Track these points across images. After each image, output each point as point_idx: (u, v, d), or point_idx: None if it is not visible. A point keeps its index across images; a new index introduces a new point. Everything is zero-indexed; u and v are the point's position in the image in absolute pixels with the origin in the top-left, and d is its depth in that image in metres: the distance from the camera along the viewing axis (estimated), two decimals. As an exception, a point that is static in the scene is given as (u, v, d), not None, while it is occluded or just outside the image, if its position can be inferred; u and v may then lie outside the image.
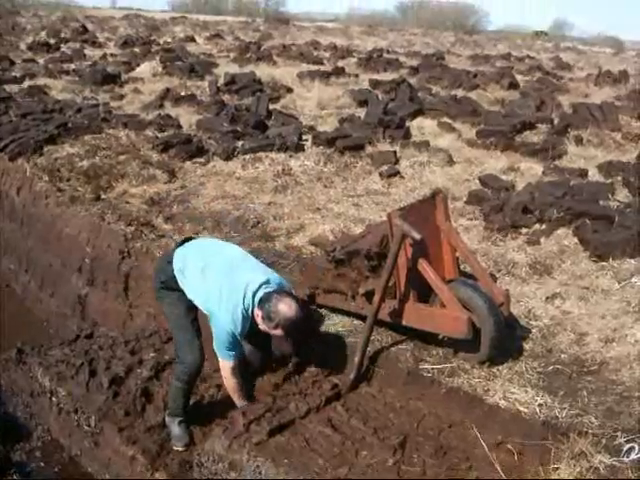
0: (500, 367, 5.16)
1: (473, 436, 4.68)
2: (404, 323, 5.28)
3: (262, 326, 4.87)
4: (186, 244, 5.41)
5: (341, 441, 4.84)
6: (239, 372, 5.18)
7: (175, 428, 5.32)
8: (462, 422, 4.81)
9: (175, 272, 5.17)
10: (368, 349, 5.29)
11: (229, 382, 5.19)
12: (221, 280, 4.98)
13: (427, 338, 5.41)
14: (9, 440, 5.99)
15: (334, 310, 5.91)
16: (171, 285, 5.21)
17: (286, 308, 4.74)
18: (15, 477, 5.31)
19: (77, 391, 6.02)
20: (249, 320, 4.90)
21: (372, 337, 5.32)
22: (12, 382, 6.79)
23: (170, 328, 5.54)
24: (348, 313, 5.80)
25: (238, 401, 5.26)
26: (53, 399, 6.20)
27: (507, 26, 76.54)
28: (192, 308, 5.21)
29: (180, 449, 5.29)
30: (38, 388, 6.42)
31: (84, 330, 7.43)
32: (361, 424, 5.00)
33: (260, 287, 4.88)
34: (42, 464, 5.99)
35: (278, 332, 4.85)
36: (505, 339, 5.24)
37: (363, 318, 5.46)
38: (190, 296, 5.14)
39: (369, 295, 5.31)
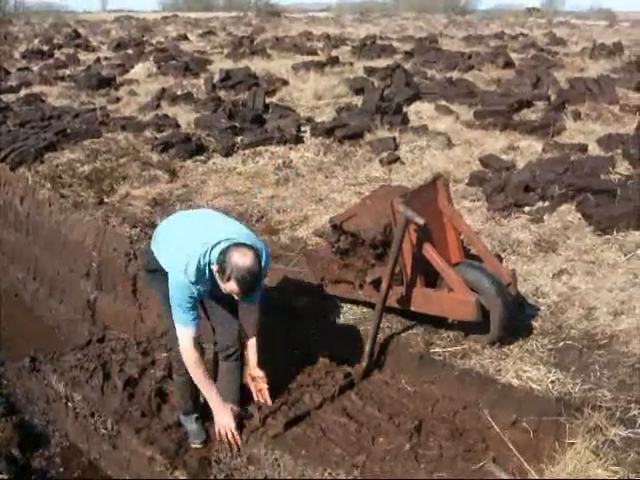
0: (511, 346, 5.18)
1: (488, 417, 4.71)
2: (413, 309, 5.30)
3: (220, 285, 4.53)
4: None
5: (357, 429, 4.86)
6: (199, 346, 4.81)
7: (190, 426, 5.33)
8: (476, 403, 4.83)
9: (151, 245, 5.09)
10: (379, 336, 5.31)
11: (189, 357, 4.74)
12: (187, 235, 4.75)
13: (437, 322, 5.43)
14: (28, 447, 6.02)
15: (343, 300, 5.93)
16: (153, 265, 4.97)
17: (240, 257, 4.39)
18: (36, 484, 5.34)
19: (92, 395, 6.05)
20: (205, 275, 4.59)
21: (382, 324, 5.34)
22: (27, 390, 6.83)
23: (161, 314, 5.39)
24: (357, 302, 5.82)
25: (203, 380, 4.84)
26: (69, 404, 6.23)
27: (499, 5, 76.46)
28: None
29: (198, 446, 5.30)
30: (53, 394, 6.45)
31: (95, 334, 7.46)
32: (376, 411, 5.02)
33: (222, 241, 4.56)
34: (62, 469, 6.02)
35: (232, 287, 4.45)
36: (514, 318, 5.26)
37: (372, 306, 5.48)
38: (159, 260, 4.88)
39: (376, 283, 5.32)
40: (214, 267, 4.47)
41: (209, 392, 4.87)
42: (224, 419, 4.89)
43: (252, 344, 5.10)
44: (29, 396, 6.78)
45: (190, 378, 5.00)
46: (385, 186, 6.06)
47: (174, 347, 5.05)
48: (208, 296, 4.93)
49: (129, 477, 5.70)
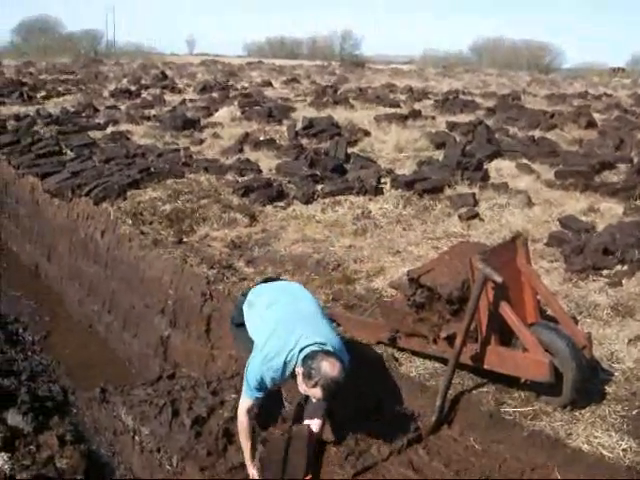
0: (583, 411, 5.11)
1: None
2: (486, 366, 5.28)
3: (301, 386, 4.73)
4: (269, 283, 5.50)
5: (423, 484, 4.87)
6: (252, 416, 5.18)
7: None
8: (544, 466, 4.76)
9: (244, 304, 5.23)
10: (449, 392, 5.31)
11: (240, 420, 5.16)
12: (279, 321, 4.95)
13: (509, 381, 5.40)
14: (93, 477, 6.12)
15: (415, 353, 5.93)
16: (239, 320, 5.27)
17: (329, 367, 4.55)
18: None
19: (160, 430, 6.14)
20: (286, 372, 4.82)
21: (453, 380, 5.34)
22: (96, 420, 6.95)
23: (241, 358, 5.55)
24: (429, 356, 5.82)
25: (244, 442, 5.25)
26: (136, 438, 6.32)
27: (583, 63, 75.53)
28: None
29: None
30: (121, 427, 6.56)
31: (166, 371, 7.58)
32: (442, 467, 5.01)
33: (311, 344, 4.74)
34: (124, 501, 6.13)
35: (316, 392, 4.64)
36: (587, 382, 5.21)
37: (444, 361, 5.48)
38: (248, 329, 5.18)
39: (450, 339, 5.33)
40: (299, 370, 4.67)
41: (246, 452, 5.25)
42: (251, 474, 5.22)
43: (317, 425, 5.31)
44: (97, 426, 6.90)
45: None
46: (464, 242, 6.10)
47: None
48: None
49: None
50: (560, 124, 17.81)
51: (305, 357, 4.64)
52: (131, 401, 6.65)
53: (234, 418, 6.00)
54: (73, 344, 9.59)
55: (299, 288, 5.79)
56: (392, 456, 5.15)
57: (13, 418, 6.67)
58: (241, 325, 5.34)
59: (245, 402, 5.05)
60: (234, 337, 5.62)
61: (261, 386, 4.89)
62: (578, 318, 6.50)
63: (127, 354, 9.17)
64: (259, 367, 4.80)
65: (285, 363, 4.77)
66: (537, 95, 28.18)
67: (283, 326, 4.89)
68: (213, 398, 6.43)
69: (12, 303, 11.05)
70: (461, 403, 5.37)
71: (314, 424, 5.22)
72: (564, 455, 4.73)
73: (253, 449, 5.21)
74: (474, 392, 5.44)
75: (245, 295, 5.43)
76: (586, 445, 4.73)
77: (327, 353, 4.65)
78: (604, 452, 4.65)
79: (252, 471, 5.14)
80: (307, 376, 4.60)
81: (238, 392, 6.39)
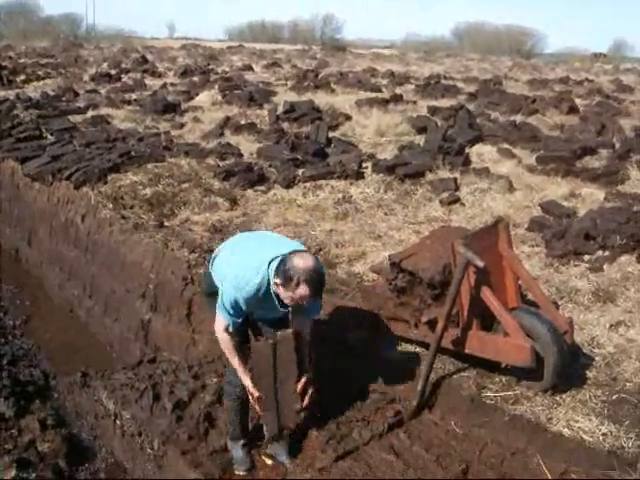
0: (563, 395, 5.14)
1: (536, 465, 4.65)
2: (467, 351, 5.29)
3: (286, 296, 4.56)
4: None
5: (404, 468, 4.87)
6: (234, 334, 4.91)
7: (237, 452, 5.37)
8: (525, 450, 4.78)
9: (210, 264, 5.14)
10: (431, 376, 5.31)
11: (220, 337, 4.89)
12: (244, 256, 4.82)
13: (490, 366, 5.41)
14: (74, 461, 6.12)
15: (397, 337, 5.93)
16: (212, 288, 5.05)
17: (303, 261, 4.46)
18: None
19: (141, 414, 6.12)
20: (260, 292, 4.65)
21: (435, 364, 5.34)
22: (77, 405, 6.95)
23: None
24: (411, 340, 5.82)
25: (232, 357, 4.94)
26: (117, 422, 6.31)
27: (565, 49, 76.00)
28: (242, 327, 5.06)
29: (242, 474, 5.33)
30: (102, 411, 6.54)
31: (147, 355, 7.58)
32: (424, 451, 5.02)
33: (277, 257, 4.60)
34: (105, 485, 6.12)
35: (303, 291, 4.47)
36: (568, 367, 5.23)
37: (426, 345, 5.49)
38: (214, 278, 5.02)
39: (432, 323, 5.33)
40: (277, 281, 4.52)
41: (238, 367, 4.94)
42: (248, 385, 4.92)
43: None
44: (78, 410, 6.89)
45: (240, 408, 5.19)
46: (445, 227, 6.10)
47: (229, 379, 5.21)
48: (260, 318, 5.08)
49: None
50: (542, 109, 17.85)
51: (277, 267, 4.53)
52: (112, 385, 6.62)
53: (215, 402, 6.02)
54: (54, 328, 9.54)
55: (260, 232, 5.66)
56: (373, 440, 5.16)
57: (-6, 402, 6.66)
58: (213, 294, 5.21)
59: (220, 322, 4.83)
60: (208, 305, 5.47)
61: (235, 309, 4.73)
62: (559, 303, 6.52)
63: (108, 338, 9.13)
64: (233, 293, 4.66)
65: (258, 285, 4.62)
66: (519, 80, 28.27)
67: (249, 257, 4.76)
68: (194, 382, 6.42)
69: (-8, 288, 11.00)
70: (442, 387, 5.38)
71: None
72: (545, 439, 4.75)
73: (244, 362, 4.95)
74: (455, 376, 5.45)
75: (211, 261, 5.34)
76: (567, 429, 4.75)
77: (295, 252, 4.56)
78: (584, 436, 4.67)
79: (248, 382, 4.88)
80: (287, 279, 4.46)
81: (220, 376, 6.41)
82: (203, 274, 5.57)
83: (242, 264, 4.71)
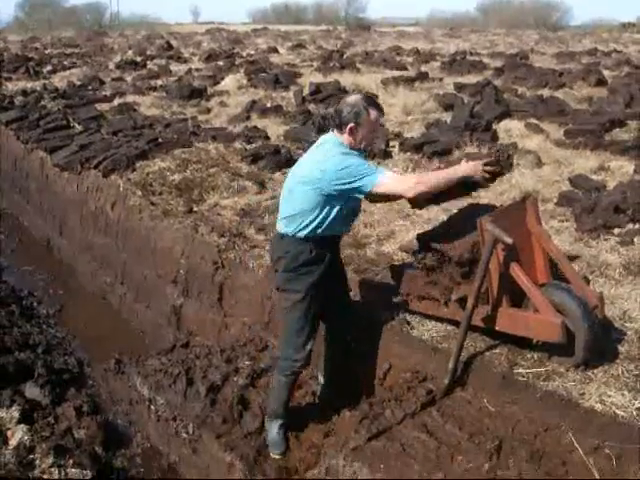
0: (595, 370, 5.10)
1: (569, 441, 4.64)
2: (497, 328, 5.27)
3: (366, 131, 4.86)
4: None
5: (436, 446, 4.87)
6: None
7: (273, 433, 5.41)
8: (558, 426, 4.75)
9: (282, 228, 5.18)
10: (462, 354, 5.30)
11: (427, 180, 4.90)
12: (310, 156, 5.08)
13: (521, 342, 5.39)
14: (110, 446, 6.20)
15: (427, 316, 5.93)
16: (300, 259, 5.10)
17: (347, 99, 4.89)
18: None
19: (175, 399, 6.21)
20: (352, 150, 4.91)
21: (466, 342, 5.33)
22: (112, 391, 7.04)
23: (287, 319, 5.34)
24: (441, 319, 5.83)
25: (441, 175, 4.97)
26: (152, 407, 6.40)
27: (592, 20, 75.07)
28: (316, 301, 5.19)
29: (277, 457, 5.38)
30: (137, 397, 6.63)
31: (180, 340, 7.65)
32: (456, 429, 5.01)
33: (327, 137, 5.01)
34: (142, 470, 6.20)
35: (374, 114, 4.82)
36: (600, 342, 5.20)
37: (456, 324, 5.48)
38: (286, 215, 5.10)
39: (462, 301, 5.32)
40: (350, 125, 4.80)
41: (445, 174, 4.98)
42: (467, 168, 4.95)
43: None
44: (113, 397, 7.00)
45: (294, 379, 5.34)
46: (473, 204, 6.05)
47: (288, 354, 5.25)
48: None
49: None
50: (569, 82, 17.70)
51: (337, 125, 4.87)
52: (146, 371, 6.71)
53: (249, 385, 6.08)
54: (87, 316, 9.65)
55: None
56: (406, 419, 5.17)
57: (31, 391, 6.76)
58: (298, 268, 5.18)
59: (387, 175, 4.91)
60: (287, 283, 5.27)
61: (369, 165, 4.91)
62: (590, 278, 6.46)
63: (141, 324, 9.21)
64: (352, 159, 4.84)
65: (345, 151, 4.88)
66: (545, 54, 28.01)
67: (314, 158, 5.01)
68: (227, 366, 6.48)
69: (25, 278, 11.12)
70: (474, 365, 5.36)
71: None
72: (577, 415, 4.72)
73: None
74: (486, 354, 5.43)
75: None
76: (599, 405, 4.72)
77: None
78: (617, 411, 4.64)
79: (466, 166, 4.95)
80: (356, 115, 4.77)
81: (252, 359, 6.46)
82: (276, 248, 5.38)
83: (320, 157, 4.93)
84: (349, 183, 4.79)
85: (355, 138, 4.85)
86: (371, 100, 4.86)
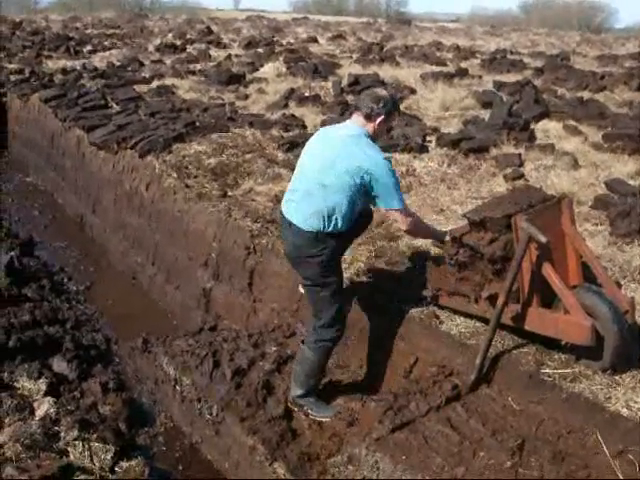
0: (623, 375, 5.08)
1: (593, 443, 4.62)
2: (527, 328, 5.27)
3: (384, 128, 5.26)
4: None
5: (459, 441, 4.89)
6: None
7: (315, 403, 5.63)
8: (582, 428, 4.75)
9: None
10: (490, 351, 5.31)
11: (419, 230, 5.71)
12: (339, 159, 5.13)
13: (549, 343, 5.38)
14: (134, 424, 6.27)
15: (456, 312, 5.93)
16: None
17: (382, 90, 5.31)
18: (139, 460, 5.54)
19: (201, 381, 6.26)
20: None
21: (494, 340, 5.33)
22: (138, 369, 7.12)
23: (326, 298, 5.41)
24: (471, 315, 5.82)
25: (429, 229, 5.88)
26: (177, 387, 6.46)
27: (636, 23, 74.23)
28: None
29: (328, 419, 5.56)
30: (163, 376, 6.70)
31: (208, 322, 7.70)
32: (480, 425, 5.03)
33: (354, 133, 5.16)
34: (164, 449, 6.27)
35: (396, 115, 5.47)
36: (629, 347, 5.17)
37: (485, 321, 5.48)
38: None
39: (492, 299, 5.32)
40: (381, 120, 5.11)
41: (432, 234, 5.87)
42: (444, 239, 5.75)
43: None
44: (139, 375, 7.08)
45: (323, 359, 5.50)
46: (528, 185, 6.04)
47: (329, 330, 5.40)
48: None
49: (229, 464, 5.89)
50: (610, 86, 17.50)
51: (368, 112, 5.08)
52: (173, 351, 6.77)
53: (275, 371, 6.11)
54: (116, 295, 9.75)
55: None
56: (430, 413, 5.18)
57: (58, 365, 6.85)
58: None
59: (404, 211, 5.37)
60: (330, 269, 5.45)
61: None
62: (622, 282, 6.43)
63: (169, 306, 9.28)
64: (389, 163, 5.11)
65: (370, 140, 5.13)
66: (587, 55, 27.69)
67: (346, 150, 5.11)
68: (254, 350, 6.53)
69: (57, 254, 11.24)
70: (501, 363, 5.37)
71: None
72: (602, 418, 4.71)
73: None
74: (514, 352, 5.43)
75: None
76: (625, 409, 4.71)
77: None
78: (643, 417, 4.63)
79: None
80: (387, 110, 5.09)
81: (279, 345, 6.49)
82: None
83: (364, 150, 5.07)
84: (386, 189, 5.09)
85: (379, 129, 5.13)
86: (392, 95, 5.29)
